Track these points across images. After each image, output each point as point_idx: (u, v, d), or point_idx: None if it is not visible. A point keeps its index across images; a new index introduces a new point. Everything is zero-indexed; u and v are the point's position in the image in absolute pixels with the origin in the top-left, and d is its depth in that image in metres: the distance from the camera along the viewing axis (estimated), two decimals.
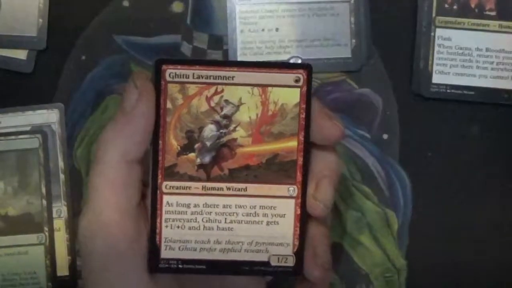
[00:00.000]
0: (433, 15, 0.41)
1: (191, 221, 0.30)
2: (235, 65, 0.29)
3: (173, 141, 0.29)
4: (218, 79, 0.29)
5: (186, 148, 0.29)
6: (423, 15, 0.41)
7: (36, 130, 0.41)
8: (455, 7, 0.41)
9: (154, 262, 0.29)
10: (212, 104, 0.29)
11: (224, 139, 0.29)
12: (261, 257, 0.30)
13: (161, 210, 0.30)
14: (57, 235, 0.40)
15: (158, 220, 0.30)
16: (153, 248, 0.29)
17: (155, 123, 0.29)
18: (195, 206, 0.30)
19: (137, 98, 0.28)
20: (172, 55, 0.41)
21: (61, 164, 0.41)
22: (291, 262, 0.30)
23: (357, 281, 0.42)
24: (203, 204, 0.30)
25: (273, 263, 0.30)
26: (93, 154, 0.41)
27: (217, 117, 0.29)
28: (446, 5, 0.41)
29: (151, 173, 0.29)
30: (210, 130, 0.29)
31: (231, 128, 0.29)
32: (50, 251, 0.40)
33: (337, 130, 0.30)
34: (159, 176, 0.29)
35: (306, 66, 0.29)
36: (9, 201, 0.40)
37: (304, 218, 0.30)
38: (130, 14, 0.42)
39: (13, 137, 0.41)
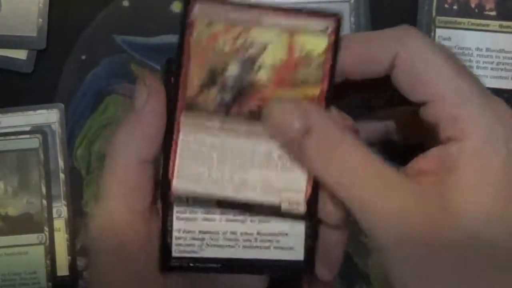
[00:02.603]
0: (433, 15, 0.41)
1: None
2: (264, 8, 0.29)
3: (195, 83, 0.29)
4: (246, 19, 0.29)
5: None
6: (423, 15, 0.41)
7: (36, 130, 0.41)
8: (455, 7, 0.41)
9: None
10: (238, 44, 0.29)
11: (247, 80, 0.29)
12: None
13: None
14: (57, 235, 0.41)
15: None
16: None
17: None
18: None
19: (147, 96, 0.29)
20: (172, 55, 0.41)
21: (61, 164, 0.41)
22: (302, 208, 0.30)
23: (357, 281, 0.42)
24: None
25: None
26: (95, 154, 0.41)
27: (242, 57, 0.29)
28: (446, 5, 0.41)
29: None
30: (233, 70, 0.29)
31: (255, 69, 0.29)
32: (50, 251, 0.40)
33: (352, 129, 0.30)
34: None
35: (336, 15, 0.29)
36: (9, 201, 0.41)
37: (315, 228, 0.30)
38: (130, 14, 0.42)
39: (13, 137, 0.41)
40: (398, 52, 0.29)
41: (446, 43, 0.42)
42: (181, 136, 0.29)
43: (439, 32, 0.42)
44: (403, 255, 0.27)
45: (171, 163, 0.29)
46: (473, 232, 0.26)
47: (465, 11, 0.42)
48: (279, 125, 0.28)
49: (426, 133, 0.30)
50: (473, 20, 0.42)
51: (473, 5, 0.42)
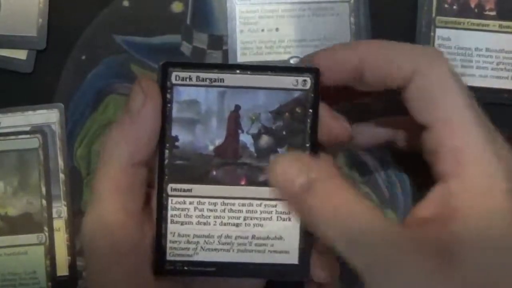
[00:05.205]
0: (433, 15, 0.41)
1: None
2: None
3: None
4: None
5: None
6: (423, 15, 0.42)
7: (36, 130, 0.41)
8: (455, 7, 0.42)
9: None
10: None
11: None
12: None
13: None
14: (57, 235, 0.41)
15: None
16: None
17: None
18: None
19: (143, 100, 0.29)
20: (172, 55, 0.42)
21: (61, 164, 0.41)
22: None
23: (357, 281, 0.42)
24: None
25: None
26: (95, 154, 0.41)
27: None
28: (446, 5, 0.42)
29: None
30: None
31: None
32: (50, 251, 0.41)
33: (345, 131, 0.30)
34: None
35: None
36: (9, 201, 0.41)
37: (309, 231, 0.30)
38: (130, 14, 0.42)
39: (13, 137, 0.41)
40: (419, 67, 0.28)
41: (446, 43, 0.42)
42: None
43: (439, 32, 0.42)
44: None
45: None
46: (483, 280, 0.26)
47: (465, 11, 0.42)
48: (281, 182, 0.29)
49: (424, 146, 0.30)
50: (473, 20, 0.42)
51: (473, 5, 0.42)
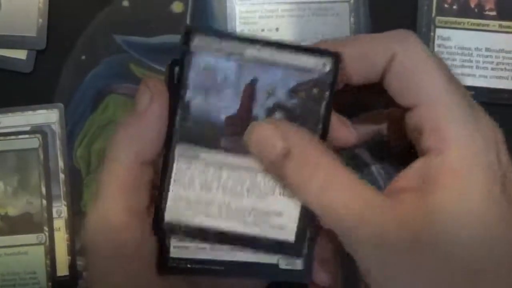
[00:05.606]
0: (433, 15, 0.42)
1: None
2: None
3: None
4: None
5: None
6: (423, 15, 0.42)
7: (36, 130, 0.41)
8: (455, 7, 0.42)
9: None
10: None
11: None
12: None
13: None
14: (57, 235, 0.41)
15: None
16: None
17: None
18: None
19: (150, 99, 0.29)
20: (173, 55, 0.42)
21: (61, 164, 0.41)
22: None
23: (357, 281, 0.42)
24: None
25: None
26: (95, 154, 0.41)
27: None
28: (446, 5, 0.42)
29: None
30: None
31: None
32: (50, 251, 0.41)
33: (350, 135, 0.30)
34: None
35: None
36: (9, 201, 0.41)
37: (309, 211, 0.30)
38: (130, 14, 0.42)
39: (13, 137, 0.41)
40: (395, 53, 0.29)
41: (446, 43, 0.42)
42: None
43: (439, 32, 0.42)
44: (387, 276, 0.27)
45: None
46: (455, 256, 0.26)
47: (465, 11, 0.42)
48: (259, 148, 0.29)
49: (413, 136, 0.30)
50: (473, 20, 0.42)
51: (473, 5, 0.42)
